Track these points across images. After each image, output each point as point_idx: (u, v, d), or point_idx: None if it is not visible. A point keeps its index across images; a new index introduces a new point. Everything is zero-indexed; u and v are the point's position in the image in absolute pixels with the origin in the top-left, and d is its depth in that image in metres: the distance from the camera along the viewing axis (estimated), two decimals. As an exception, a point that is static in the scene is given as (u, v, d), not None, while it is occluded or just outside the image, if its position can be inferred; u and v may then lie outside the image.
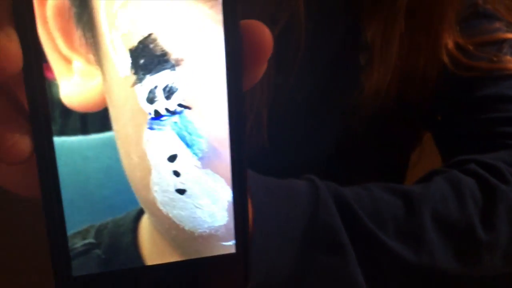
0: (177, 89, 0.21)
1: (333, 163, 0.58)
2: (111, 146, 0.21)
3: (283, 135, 0.55)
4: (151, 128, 0.21)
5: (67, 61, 0.20)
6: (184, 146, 0.22)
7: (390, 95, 0.54)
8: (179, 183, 0.22)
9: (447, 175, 0.44)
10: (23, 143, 0.19)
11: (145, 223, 0.23)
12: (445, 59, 0.53)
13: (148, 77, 0.20)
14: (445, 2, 0.52)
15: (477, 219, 0.41)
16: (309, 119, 0.57)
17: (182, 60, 0.20)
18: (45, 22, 0.19)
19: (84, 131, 0.20)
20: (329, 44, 0.54)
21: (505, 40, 0.54)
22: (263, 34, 0.21)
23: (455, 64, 0.53)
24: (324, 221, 0.37)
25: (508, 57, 0.53)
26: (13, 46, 0.18)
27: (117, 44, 0.20)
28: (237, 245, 0.23)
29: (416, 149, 0.64)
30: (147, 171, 0.21)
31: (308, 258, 0.36)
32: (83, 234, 0.21)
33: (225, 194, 0.23)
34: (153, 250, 0.23)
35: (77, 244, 0.21)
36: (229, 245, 0.23)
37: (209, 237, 0.23)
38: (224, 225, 0.23)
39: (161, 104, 0.21)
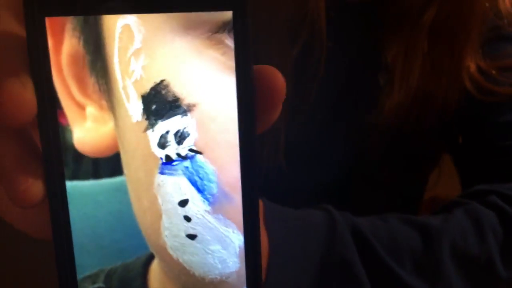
0: (188, 134, 0.21)
1: (350, 184, 0.57)
2: (122, 190, 0.21)
3: (300, 156, 0.55)
4: (162, 173, 0.21)
5: (81, 107, 0.20)
6: (195, 191, 0.21)
7: (410, 116, 0.53)
8: (189, 228, 0.22)
9: (467, 208, 0.43)
10: (36, 187, 0.19)
11: (155, 268, 0.22)
12: (467, 82, 0.52)
13: (160, 122, 0.21)
14: (469, 22, 0.51)
15: (497, 254, 0.40)
16: (327, 140, 0.56)
17: (194, 105, 0.21)
18: (59, 69, 0.20)
19: (96, 175, 0.21)
20: (348, 64, 0.54)
21: None
22: (276, 79, 0.21)
23: (476, 88, 0.52)
24: (340, 254, 0.36)
25: None
26: (27, 93, 0.18)
27: (130, 90, 0.20)
28: None
29: (435, 170, 0.62)
30: (158, 215, 0.21)
31: None
32: (93, 278, 0.21)
33: (237, 240, 0.22)
34: None
35: None
36: None
37: (220, 283, 0.23)
38: (236, 271, 0.23)
39: (172, 149, 0.21)
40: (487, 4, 0.52)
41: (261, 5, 0.45)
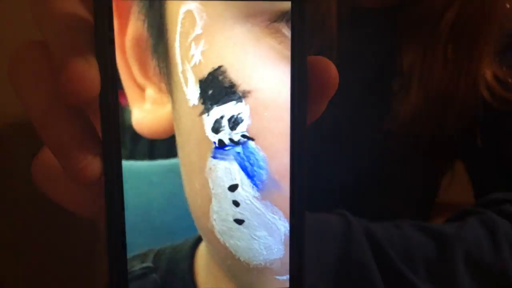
0: (242, 120, 0.21)
1: (363, 188, 0.57)
2: (175, 172, 0.22)
3: (314, 160, 0.55)
4: (214, 157, 0.22)
5: (141, 89, 0.21)
6: (245, 176, 0.22)
7: (425, 122, 0.52)
8: (238, 213, 0.22)
9: (482, 217, 0.43)
10: (95, 165, 0.20)
11: (202, 250, 0.23)
12: (483, 90, 0.51)
13: (215, 107, 0.21)
14: (489, 24, 0.50)
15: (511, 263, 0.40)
16: (340, 145, 0.56)
17: (249, 92, 0.21)
18: (123, 51, 0.20)
19: (151, 156, 0.21)
20: (362, 69, 0.54)
21: None
22: (329, 70, 0.21)
23: (492, 96, 0.51)
24: (356, 258, 0.37)
25: None
26: (93, 72, 0.19)
27: (188, 74, 0.21)
28: (291, 280, 0.23)
29: (448, 173, 0.62)
30: (208, 199, 0.22)
31: None
32: (142, 257, 0.22)
33: (283, 227, 0.23)
34: (208, 278, 0.23)
35: (136, 267, 0.22)
36: (283, 280, 0.23)
37: (264, 269, 0.23)
38: (280, 258, 0.23)
39: (225, 134, 0.21)
40: (507, 5, 0.51)
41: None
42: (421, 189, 0.61)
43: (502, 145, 0.53)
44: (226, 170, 0.22)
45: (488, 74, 0.51)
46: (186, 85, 0.21)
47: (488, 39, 0.50)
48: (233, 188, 0.22)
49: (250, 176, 0.22)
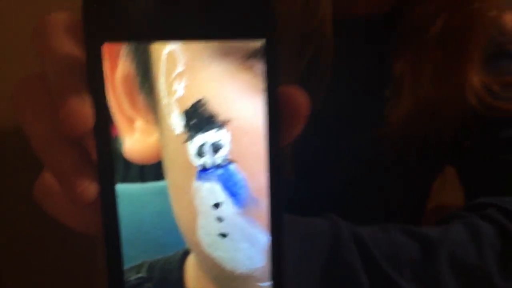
0: (223, 145, 0.24)
1: (354, 193, 0.58)
2: (164, 193, 0.24)
3: (306, 166, 0.56)
4: (199, 179, 0.24)
5: (130, 121, 0.23)
6: (227, 195, 0.24)
7: (416, 128, 0.53)
8: (221, 227, 0.25)
9: (466, 221, 0.44)
10: (91, 189, 0.23)
11: (191, 261, 0.25)
12: (471, 96, 0.52)
13: (198, 135, 0.24)
14: (476, 33, 0.51)
15: (494, 267, 0.41)
16: (333, 151, 0.57)
17: (228, 121, 0.23)
18: (114, 88, 0.23)
19: (142, 179, 0.24)
20: (354, 76, 0.55)
21: None
22: (300, 99, 0.23)
23: (480, 103, 0.52)
24: (344, 260, 0.38)
25: None
26: (87, 108, 0.21)
27: (173, 106, 0.23)
28: (273, 286, 0.26)
29: (439, 178, 0.63)
30: (194, 216, 0.24)
31: None
32: (137, 268, 0.24)
33: (263, 239, 0.25)
34: (197, 286, 0.25)
35: (131, 277, 0.24)
36: (266, 286, 0.26)
37: (248, 277, 0.25)
38: (261, 267, 0.25)
39: (208, 158, 0.24)
40: (494, 13, 0.52)
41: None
42: (413, 193, 0.62)
43: (490, 150, 0.54)
44: (209, 191, 0.24)
45: (476, 82, 0.52)
46: (171, 116, 0.23)
47: (475, 47, 0.51)
48: (216, 206, 0.24)
49: (231, 195, 0.24)
